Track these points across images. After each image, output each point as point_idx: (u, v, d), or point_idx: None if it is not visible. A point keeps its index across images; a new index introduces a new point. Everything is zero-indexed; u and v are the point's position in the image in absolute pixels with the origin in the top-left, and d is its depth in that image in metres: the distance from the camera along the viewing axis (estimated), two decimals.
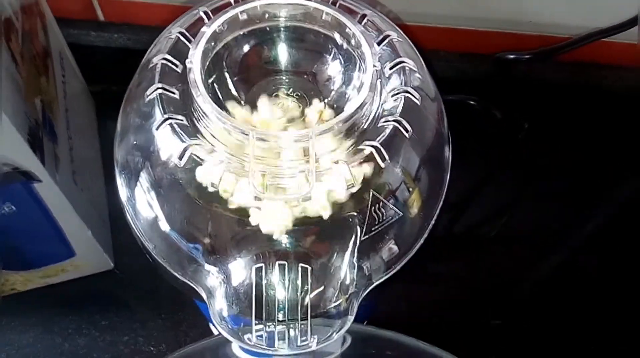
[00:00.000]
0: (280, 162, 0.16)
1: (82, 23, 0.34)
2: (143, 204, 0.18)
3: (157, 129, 0.17)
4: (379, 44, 0.18)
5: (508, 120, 0.31)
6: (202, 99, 0.16)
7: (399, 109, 0.17)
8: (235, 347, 0.20)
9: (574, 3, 0.30)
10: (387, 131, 0.16)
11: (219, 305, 0.16)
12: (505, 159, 0.36)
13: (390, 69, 0.18)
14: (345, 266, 0.17)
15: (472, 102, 0.29)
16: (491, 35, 0.31)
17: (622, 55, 0.33)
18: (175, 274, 0.18)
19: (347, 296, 0.17)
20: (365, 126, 0.16)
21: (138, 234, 0.18)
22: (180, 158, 0.16)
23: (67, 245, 0.29)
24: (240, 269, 0.16)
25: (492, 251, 0.34)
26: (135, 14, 0.34)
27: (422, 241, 0.18)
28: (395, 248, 0.17)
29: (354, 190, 0.16)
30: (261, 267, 0.16)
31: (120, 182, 0.19)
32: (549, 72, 0.34)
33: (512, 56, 0.28)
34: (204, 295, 0.16)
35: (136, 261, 0.33)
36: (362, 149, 0.16)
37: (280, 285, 0.16)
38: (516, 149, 0.36)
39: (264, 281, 0.16)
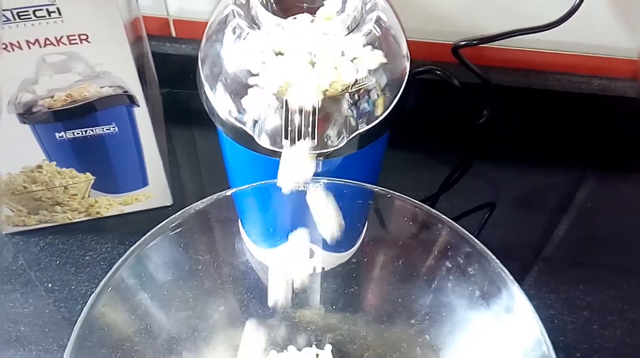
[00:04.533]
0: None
1: (159, 37, 0.47)
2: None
3: (226, 23, 0.27)
4: None
5: (467, 91, 0.41)
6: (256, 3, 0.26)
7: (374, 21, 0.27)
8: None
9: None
10: (372, 22, 0.26)
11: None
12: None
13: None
14: (341, 116, 0.26)
15: (437, 72, 0.39)
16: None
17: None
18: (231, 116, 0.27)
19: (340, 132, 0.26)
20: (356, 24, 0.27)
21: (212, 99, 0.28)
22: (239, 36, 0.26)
23: (144, 173, 0.38)
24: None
25: None
26: (199, 31, 0.47)
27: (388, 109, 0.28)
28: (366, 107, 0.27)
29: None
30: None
31: (206, 85, 0.28)
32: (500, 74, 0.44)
33: (463, 42, 0.38)
34: (250, 126, 0.26)
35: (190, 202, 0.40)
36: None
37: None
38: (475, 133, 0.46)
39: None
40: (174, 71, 0.48)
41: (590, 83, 0.43)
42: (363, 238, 0.35)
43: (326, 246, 0.34)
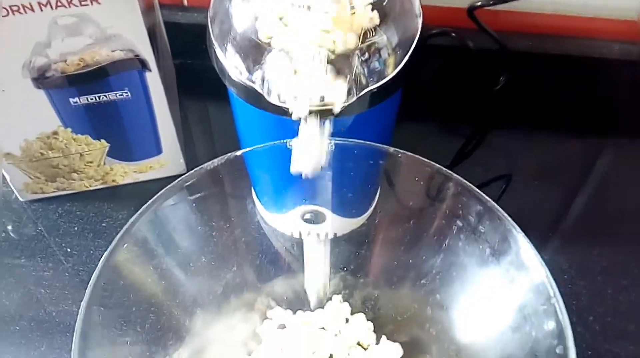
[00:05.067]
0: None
1: (171, 7, 0.47)
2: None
3: None
4: None
5: (482, 56, 0.40)
6: None
7: None
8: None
9: None
10: None
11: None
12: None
13: None
14: (352, 73, 0.26)
15: (452, 34, 0.39)
16: None
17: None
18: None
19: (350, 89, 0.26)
20: None
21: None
22: None
23: (158, 140, 0.39)
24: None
25: None
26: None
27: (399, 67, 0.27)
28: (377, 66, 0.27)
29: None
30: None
31: (216, 44, 0.28)
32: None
33: (478, 3, 0.37)
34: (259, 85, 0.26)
35: None
36: None
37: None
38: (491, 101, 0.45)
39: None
40: (186, 40, 0.48)
41: (611, 48, 0.42)
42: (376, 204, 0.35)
43: (338, 211, 0.34)
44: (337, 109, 0.27)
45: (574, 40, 0.43)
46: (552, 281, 0.24)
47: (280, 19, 0.27)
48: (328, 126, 0.26)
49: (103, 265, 0.25)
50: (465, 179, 0.41)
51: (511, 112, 0.46)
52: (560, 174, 0.43)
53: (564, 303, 0.35)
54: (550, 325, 0.24)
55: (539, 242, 0.39)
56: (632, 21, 0.42)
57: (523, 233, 0.26)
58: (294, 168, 0.28)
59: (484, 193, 0.35)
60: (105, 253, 0.26)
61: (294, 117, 0.27)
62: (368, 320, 0.33)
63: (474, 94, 0.45)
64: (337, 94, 0.26)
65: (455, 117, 0.46)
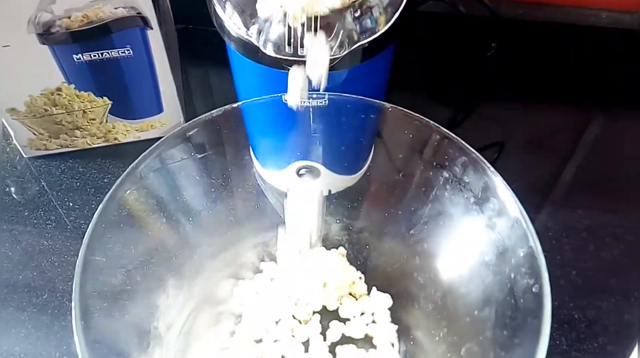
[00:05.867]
0: None
1: None
2: None
3: None
4: None
5: (471, 20, 0.41)
6: None
7: None
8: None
9: None
10: None
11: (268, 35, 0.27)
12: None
13: None
14: (344, 28, 0.27)
15: (445, 1, 0.40)
16: None
17: None
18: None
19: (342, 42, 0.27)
20: None
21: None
22: None
23: (159, 99, 0.40)
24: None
25: None
26: None
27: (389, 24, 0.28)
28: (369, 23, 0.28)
29: None
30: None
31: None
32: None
33: None
34: (255, 38, 0.27)
35: None
36: None
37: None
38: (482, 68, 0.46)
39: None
40: (188, 5, 0.49)
41: (599, 16, 0.44)
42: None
43: (333, 168, 0.36)
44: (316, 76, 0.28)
45: (563, 8, 0.44)
46: (531, 225, 0.25)
47: None
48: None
49: (105, 203, 0.26)
50: None
51: (502, 80, 0.47)
52: (551, 141, 0.44)
53: (549, 258, 0.37)
54: (528, 266, 0.25)
55: (528, 204, 0.42)
56: None
57: (503, 180, 0.27)
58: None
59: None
60: (108, 194, 0.27)
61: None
62: (359, 270, 0.35)
63: (467, 61, 0.47)
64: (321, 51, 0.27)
65: (448, 84, 0.47)
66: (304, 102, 0.31)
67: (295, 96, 0.29)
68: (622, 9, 0.43)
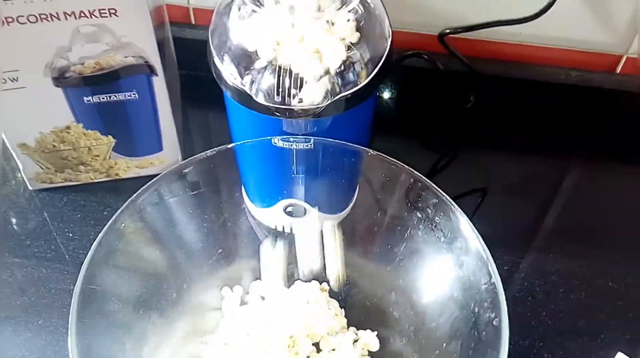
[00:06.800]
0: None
1: (180, 24, 0.52)
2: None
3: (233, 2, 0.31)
4: None
5: (452, 76, 0.44)
6: None
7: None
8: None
9: None
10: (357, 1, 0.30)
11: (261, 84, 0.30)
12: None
13: None
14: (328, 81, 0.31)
15: (424, 56, 0.43)
16: None
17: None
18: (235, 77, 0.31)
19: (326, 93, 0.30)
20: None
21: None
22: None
23: (160, 139, 0.43)
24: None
25: None
26: None
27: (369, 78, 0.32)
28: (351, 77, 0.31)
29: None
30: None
31: (214, 53, 0.33)
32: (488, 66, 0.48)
33: (447, 30, 0.42)
34: (248, 87, 0.30)
35: None
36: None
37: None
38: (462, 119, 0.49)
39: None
40: (192, 54, 0.52)
41: (569, 74, 0.47)
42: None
43: (319, 206, 0.38)
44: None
45: (536, 67, 0.48)
46: (492, 262, 0.28)
47: (278, 43, 0.32)
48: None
49: (104, 233, 0.29)
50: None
51: (484, 130, 0.51)
52: (526, 187, 0.47)
53: (520, 299, 0.39)
54: (490, 301, 0.27)
55: (505, 247, 0.44)
56: (587, 52, 0.47)
57: (469, 221, 0.30)
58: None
59: (460, 204, 0.40)
60: (106, 225, 0.30)
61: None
62: (341, 306, 0.36)
63: (447, 112, 0.50)
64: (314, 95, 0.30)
65: (429, 134, 0.50)
66: (292, 145, 0.34)
67: None
68: (589, 68, 0.47)
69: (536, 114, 0.50)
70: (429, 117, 0.51)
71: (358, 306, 0.36)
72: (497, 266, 0.38)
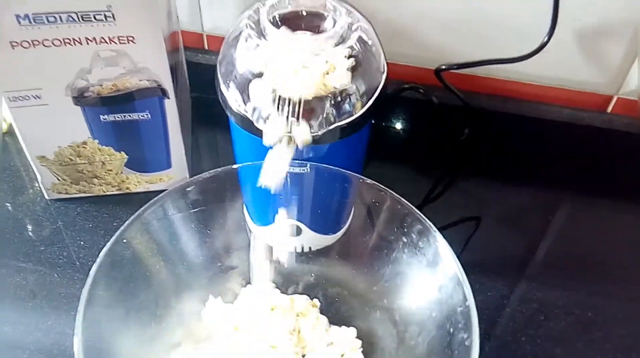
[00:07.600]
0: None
1: (194, 49, 0.55)
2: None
3: (240, 33, 0.34)
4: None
5: (447, 109, 0.47)
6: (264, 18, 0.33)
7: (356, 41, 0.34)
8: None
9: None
10: (355, 38, 0.33)
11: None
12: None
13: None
14: (324, 112, 0.33)
15: (420, 90, 0.46)
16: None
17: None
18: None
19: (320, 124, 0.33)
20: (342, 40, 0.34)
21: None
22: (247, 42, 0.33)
23: (169, 157, 0.46)
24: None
25: None
26: None
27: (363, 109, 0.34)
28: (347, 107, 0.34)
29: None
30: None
31: (221, 80, 0.36)
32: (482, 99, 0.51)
33: (443, 66, 0.45)
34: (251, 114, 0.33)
35: None
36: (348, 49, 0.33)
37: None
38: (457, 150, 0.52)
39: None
40: (204, 78, 0.55)
41: (561, 112, 0.49)
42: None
43: (313, 227, 0.40)
44: (300, 144, 0.34)
45: (529, 103, 0.50)
46: (468, 286, 0.30)
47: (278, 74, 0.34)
48: (291, 151, 0.33)
49: (111, 244, 0.31)
50: (432, 221, 0.47)
51: (477, 162, 0.53)
52: (516, 218, 0.49)
53: (501, 323, 0.40)
54: (464, 322, 0.29)
55: (495, 274, 0.45)
56: (579, 91, 0.49)
57: (448, 245, 0.32)
58: (261, 182, 0.35)
59: (451, 233, 0.42)
60: (114, 236, 0.32)
61: (264, 143, 0.34)
62: (330, 322, 0.38)
63: (442, 144, 0.52)
64: (301, 133, 0.33)
65: (424, 164, 0.53)
66: (290, 169, 0.36)
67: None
68: (580, 107, 0.49)
69: (529, 149, 0.52)
70: (426, 146, 0.53)
71: (346, 323, 0.38)
72: (481, 292, 0.41)
